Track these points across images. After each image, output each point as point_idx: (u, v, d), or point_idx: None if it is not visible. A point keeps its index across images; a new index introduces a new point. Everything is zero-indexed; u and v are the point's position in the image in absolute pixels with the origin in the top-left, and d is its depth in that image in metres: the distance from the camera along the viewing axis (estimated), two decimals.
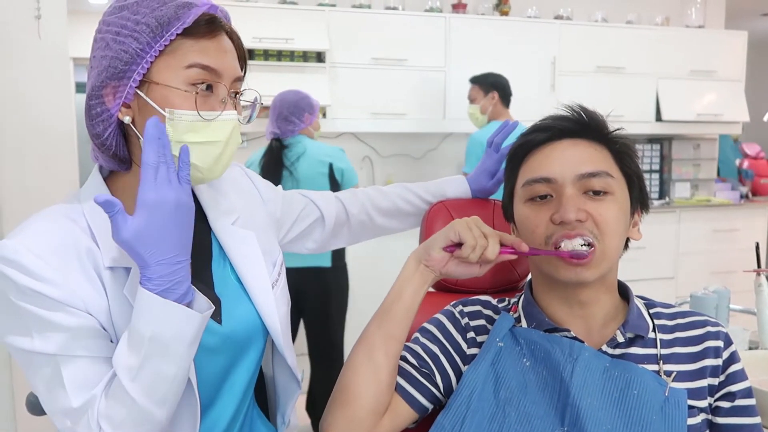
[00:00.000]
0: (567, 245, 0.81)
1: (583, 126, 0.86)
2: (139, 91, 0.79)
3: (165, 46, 0.78)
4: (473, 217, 0.87)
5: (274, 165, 2.46)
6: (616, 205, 0.83)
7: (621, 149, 0.86)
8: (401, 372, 0.89)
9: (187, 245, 0.75)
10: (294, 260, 2.40)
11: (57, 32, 2.11)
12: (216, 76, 0.81)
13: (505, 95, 3.04)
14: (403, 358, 0.90)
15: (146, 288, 0.72)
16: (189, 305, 0.74)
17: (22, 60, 2.08)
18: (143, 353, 0.72)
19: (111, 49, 0.79)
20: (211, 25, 0.81)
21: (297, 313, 2.59)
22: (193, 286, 0.76)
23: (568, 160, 0.84)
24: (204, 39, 0.80)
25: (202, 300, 0.76)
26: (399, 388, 0.88)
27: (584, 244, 0.81)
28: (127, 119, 0.81)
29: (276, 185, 2.41)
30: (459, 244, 0.84)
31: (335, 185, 2.51)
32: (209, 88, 0.81)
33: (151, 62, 0.78)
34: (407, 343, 0.93)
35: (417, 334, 0.93)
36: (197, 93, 0.79)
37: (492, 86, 3.02)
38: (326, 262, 2.51)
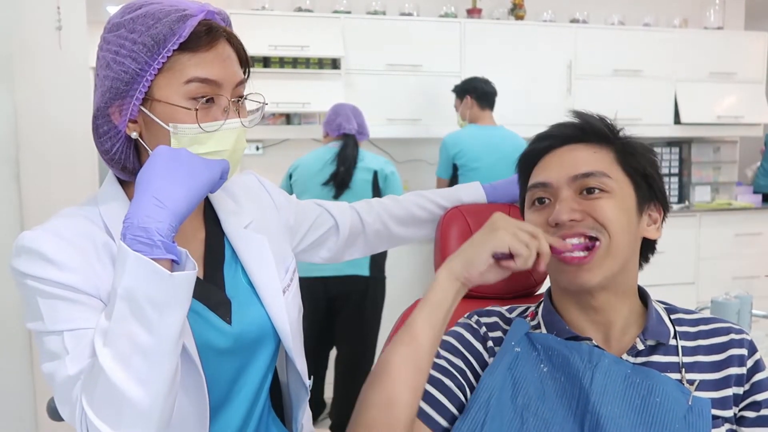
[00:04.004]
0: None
1: (582, 131, 0.88)
2: (143, 108, 0.81)
3: (163, 63, 0.79)
4: (506, 220, 0.81)
5: (352, 162, 2.49)
6: (614, 202, 0.82)
7: (624, 150, 0.86)
8: (424, 394, 0.82)
9: (180, 200, 0.71)
10: (333, 269, 2.43)
11: (77, 43, 2.15)
12: (216, 87, 0.81)
13: (480, 96, 3.01)
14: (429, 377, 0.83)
15: (125, 240, 0.68)
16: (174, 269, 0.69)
17: (44, 70, 2.11)
18: (114, 313, 0.67)
19: (112, 69, 0.80)
20: (208, 36, 0.81)
21: (329, 321, 2.60)
22: (183, 249, 0.71)
23: (564, 164, 0.86)
24: (201, 51, 0.80)
25: (189, 265, 0.71)
26: (421, 414, 0.82)
27: (585, 243, 0.81)
28: (134, 135, 0.83)
29: (349, 180, 2.27)
30: (509, 255, 0.79)
31: (377, 193, 2.53)
32: (210, 99, 0.81)
33: (151, 80, 0.79)
34: None
35: (437, 348, 0.86)
36: (197, 109, 0.80)
37: (464, 91, 3.04)
38: (364, 271, 2.53)
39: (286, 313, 0.93)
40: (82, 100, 2.16)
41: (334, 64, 3.34)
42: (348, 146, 2.52)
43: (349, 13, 3.44)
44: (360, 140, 2.59)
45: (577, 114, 0.90)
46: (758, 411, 0.80)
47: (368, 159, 2.56)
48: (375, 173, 2.53)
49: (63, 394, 0.74)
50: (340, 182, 2.47)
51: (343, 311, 2.58)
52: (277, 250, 0.98)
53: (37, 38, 2.09)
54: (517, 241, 0.78)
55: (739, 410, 0.81)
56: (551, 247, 0.81)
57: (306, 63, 3.29)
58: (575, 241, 0.82)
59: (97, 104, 0.83)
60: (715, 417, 0.78)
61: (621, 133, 0.89)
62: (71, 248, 0.77)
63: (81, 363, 0.72)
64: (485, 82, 3.01)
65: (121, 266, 0.68)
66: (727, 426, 0.80)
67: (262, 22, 3.22)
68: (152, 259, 0.67)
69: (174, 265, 0.70)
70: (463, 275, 0.80)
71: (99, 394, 0.68)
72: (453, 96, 3.13)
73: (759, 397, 0.81)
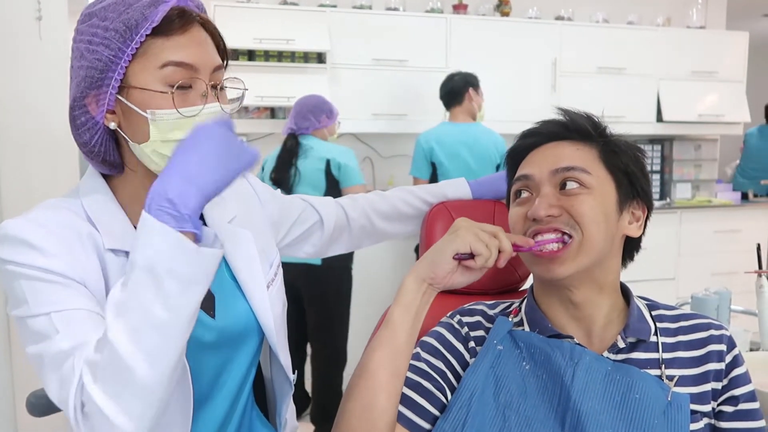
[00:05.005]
0: (539, 240, 0.83)
1: (566, 128, 0.89)
2: (120, 97, 0.80)
3: (136, 49, 0.78)
4: (468, 222, 0.84)
5: (288, 160, 2.55)
6: (592, 198, 0.83)
7: (608, 147, 0.87)
8: (404, 399, 0.83)
9: (211, 182, 0.69)
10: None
11: (57, 33, 2.11)
12: (192, 71, 0.80)
13: (442, 99, 3.01)
14: (407, 379, 0.84)
15: (150, 211, 0.66)
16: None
17: (23, 61, 2.08)
18: (131, 284, 0.66)
19: (86, 58, 0.79)
20: (181, 20, 0.80)
21: (298, 312, 2.59)
22: (211, 230, 0.70)
23: (547, 159, 0.87)
24: (175, 35, 0.79)
25: (216, 245, 0.70)
26: (402, 419, 0.82)
27: (559, 239, 0.82)
28: (113, 125, 0.82)
29: (287, 180, 2.46)
30: (471, 255, 0.81)
31: (333, 181, 2.51)
32: (188, 85, 0.80)
33: (126, 67, 0.78)
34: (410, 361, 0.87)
35: (417, 349, 0.88)
36: (173, 92, 0.79)
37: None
38: (315, 260, 2.50)
39: (270, 308, 0.93)
40: (62, 90, 2.11)
41: (320, 58, 3.32)
42: (284, 148, 2.58)
43: (335, 7, 3.42)
44: (300, 133, 2.58)
45: (564, 111, 0.91)
46: (736, 405, 0.82)
47: (320, 148, 2.55)
48: (328, 162, 2.52)
49: (52, 370, 0.71)
50: (278, 182, 2.54)
51: (305, 300, 2.58)
52: (261, 245, 0.98)
53: (17, 28, 2.05)
54: (477, 240, 0.80)
55: (718, 405, 0.82)
56: (515, 245, 0.82)
57: (291, 57, 3.27)
58: (550, 236, 0.82)
59: (73, 95, 0.81)
60: (693, 412, 0.80)
61: (607, 131, 0.89)
62: (54, 237, 0.76)
63: (73, 340, 0.71)
64: (446, 80, 2.98)
65: (145, 236, 0.66)
66: (706, 420, 0.81)
67: (247, 15, 3.19)
68: (180, 231, 0.65)
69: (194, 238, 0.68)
70: (429, 276, 0.82)
71: (103, 366, 0.66)
72: (438, 92, 3.14)
73: (737, 391, 0.82)
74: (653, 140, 4.16)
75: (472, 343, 0.89)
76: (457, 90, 2.94)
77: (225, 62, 0.87)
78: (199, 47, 0.81)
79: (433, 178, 2.96)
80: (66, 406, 0.69)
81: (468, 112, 2.97)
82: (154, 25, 0.78)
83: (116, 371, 0.65)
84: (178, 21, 0.79)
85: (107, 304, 0.68)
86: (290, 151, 2.56)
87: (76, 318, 0.73)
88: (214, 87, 0.83)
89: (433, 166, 2.96)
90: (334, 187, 2.53)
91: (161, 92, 0.79)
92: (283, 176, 2.53)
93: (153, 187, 0.68)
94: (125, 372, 0.65)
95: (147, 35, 0.78)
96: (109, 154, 0.84)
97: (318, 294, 2.57)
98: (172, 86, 0.79)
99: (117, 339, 0.65)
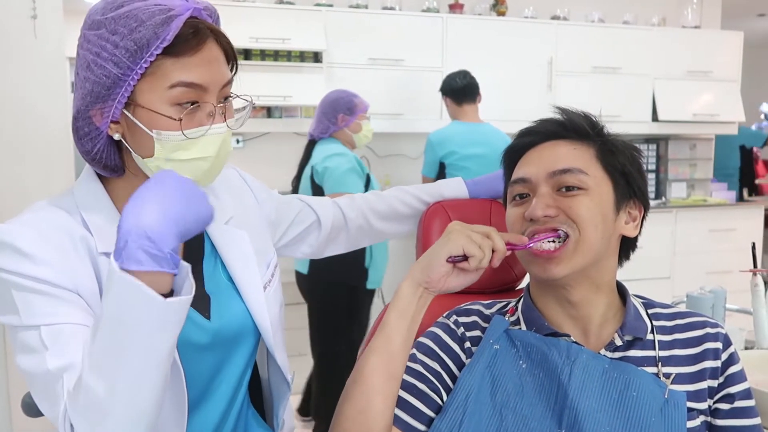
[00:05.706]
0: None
1: (564, 127, 0.89)
2: (125, 111, 0.78)
3: (146, 68, 0.76)
4: (461, 225, 0.83)
5: (300, 169, 2.52)
6: (589, 199, 0.83)
7: (605, 147, 0.87)
8: (399, 400, 0.83)
9: (189, 223, 0.67)
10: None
11: (53, 32, 2.10)
12: (201, 91, 0.79)
13: (452, 93, 2.97)
14: (402, 381, 0.84)
15: (125, 248, 0.63)
16: (169, 294, 0.66)
17: (18, 60, 2.07)
18: (99, 334, 0.65)
19: (92, 72, 0.77)
20: (195, 38, 0.77)
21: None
22: (186, 264, 0.67)
23: (544, 160, 0.87)
24: (186, 56, 0.77)
25: (186, 285, 0.67)
26: (397, 421, 0.82)
27: (555, 240, 0.82)
28: (117, 136, 0.81)
29: (296, 190, 2.36)
30: (464, 257, 0.81)
31: (317, 190, 2.41)
32: (195, 102, 0.79)
33: (134, 85, 0.77)
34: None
35: (413, 350, 0.88)
36: (181, 119, 0.77)
37: (443, 92, 3.01)
38: (304, 269, 2.47)
39: (267, 309, 0.93)
40: (57, 90, 2.12)
41: (316, 57, 3.32)
42: (303, 153, 2.55)
43: (331, 6, 3.42)
44: (320, 137, 2.49)
45: (561, 110, 0.91)
46: (732, 403, 0.82)
47: (317, 154, 2.44)
48: (312, 169, 2.42)
49: (43, 389, 0.72)
50: (294, 189, 2.52)
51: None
52: (258, 246, 0.97)
53: (11, 26, 2.04)
54: (470, 242, 0.80)
55: (714, 402, 0.83)
56: (509, 243, 0.82)
57: (287, 56, 3.27)
58: (543, 234, 0.82)
59: (78, 106, 0.80)
60: (690, 409, 0.80)
61: (604, 131, 0.89)
62: (47, 242, 0.76)
63: (61, 359, 0.71)
64: (460, 76, 2.95)
65: (113, 287, 0.64)
66: (702, 418, 0.81)
67: (243, 14, 3.18)
68: (158, 271, 0.64)
69: (173, 277, 0.67)
70: (424, 280, 0.82)
71: (84, 405, 0.67)
72: (435, 91, 3.14)
73: (733, 389, 0.82)
74: (648, 140, 4.17)
75: (468, 344, 0.89)
76: (475, 86, 2.94)
77: (234, 71, 0.85)
78: (210, 66, 0.79)
79: (441, 178, 2.94)
80: (56, 423, 0.70)
81: (477, 111, 2.98)
82: (166, 44, 0.75)
83: (96, 412, 0.66)
84: (193, 40, 0.77)
85: (82, 353, 0.67)
86: (303, 161, 2.53)
87: (65, 333, 0.72)
88: (221, 102, 0.82)
89: (442, 165, 2.94)
90: (316, 193, 2.42)
91: (168, 116, 0.77)
92: (294, 186, 2.54)
93: (125, 219, 0.63)
94: (104, 414, 0.66)
95: (157, 54, 0.75)
96: (111, 160, 0.84)
97: (308, 302, 2.54)
98: (180, 104, 0.78)
99: (92, 385, 0.65)
